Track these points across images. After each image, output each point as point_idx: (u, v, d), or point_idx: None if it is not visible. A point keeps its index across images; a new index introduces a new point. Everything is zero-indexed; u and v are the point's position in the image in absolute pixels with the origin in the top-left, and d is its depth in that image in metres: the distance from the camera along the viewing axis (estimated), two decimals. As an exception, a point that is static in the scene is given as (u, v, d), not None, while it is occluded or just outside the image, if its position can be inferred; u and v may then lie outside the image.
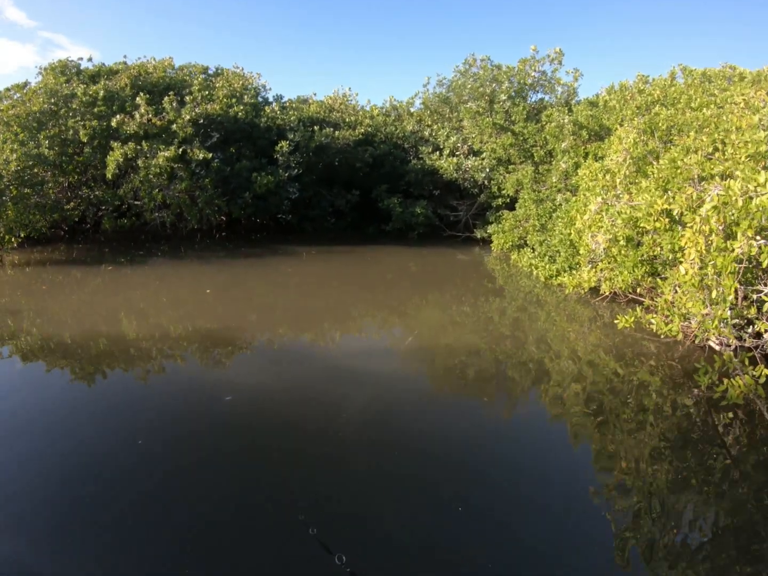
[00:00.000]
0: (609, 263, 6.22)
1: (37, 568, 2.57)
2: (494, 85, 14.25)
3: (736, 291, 4.11)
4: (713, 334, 4.04)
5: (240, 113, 13.91)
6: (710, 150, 5.62)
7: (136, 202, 13.28)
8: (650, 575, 2.64)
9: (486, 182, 14.14)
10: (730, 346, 4.35)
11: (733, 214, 3.94)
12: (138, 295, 8.32)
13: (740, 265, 3.86)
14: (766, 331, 4.07)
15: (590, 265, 6.64)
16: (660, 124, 7.32)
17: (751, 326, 4.57)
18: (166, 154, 12.16)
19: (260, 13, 61.09)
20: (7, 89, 13.49)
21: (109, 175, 12.22)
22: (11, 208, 10.68)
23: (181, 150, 12.45)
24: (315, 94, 18.43)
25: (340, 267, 11.38)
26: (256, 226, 16.39)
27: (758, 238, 3.81)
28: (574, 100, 14.57)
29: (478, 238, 14.36)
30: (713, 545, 2.82)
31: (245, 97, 14.75)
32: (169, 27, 61.81)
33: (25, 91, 13.12)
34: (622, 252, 5.87)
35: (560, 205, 10.07)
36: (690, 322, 4.64)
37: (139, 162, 12.31)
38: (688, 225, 4.10)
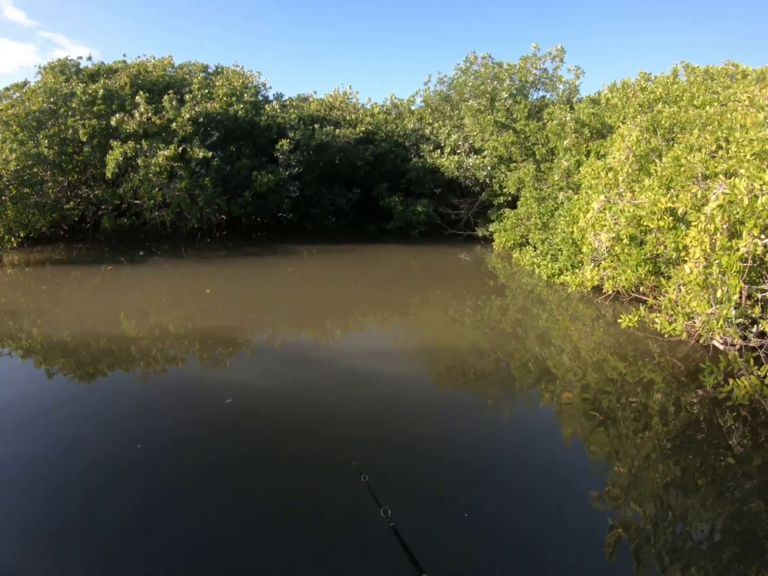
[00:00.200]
0: (612, 262, 6.17)
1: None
2: (495, 82, 14.17)
3: (740, 290, 4.07)
4: (718, 333, 4.00)
5: (240, 112, 13.85)
6: (714, 148, 5.57)
7: (135, 201, 13.24)
8: (655, 578, 2.62)
9: (487, 180, 14.07)
10: (734, 345, 4.31)
11: (738, 213, 3.89)
12: (138, 295, 8.29)
13: (745, 265, 3.82)
14: (771, 331, 4.03)
15: (593, 264, 6.59)
16: (663, 122, 7.26)
17: (755, 325, 4.53)
18: (165, 152, 12.11)
19: (260, 11, 60.90)
20: (7, 89, 13.43)
21: (108, 174, 12.17)
22: (11, 207, 10.64)
23: (180, 149, 12.40)
24: (315, 93, 18.43)
25: (340, 266, 11.34)
26: (256, 224, 16.35)
27: (763, 236, 3.77)
28: (575, 97, 14.48)
29: (480, 237, 14.31)
30: (717, 546, 2.79)
31: (245, 95, 14.68)
32: (168, 26, 61.67)
33: (24, 90, 13.06)
34: (625, 250, 5.82)
35: (562, 203, 10.01)
36: (694, 322, 4.60)
37: (139, 161, 12.27)
38: (693, 224, 4.05)
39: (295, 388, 4.71)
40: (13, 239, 10.91)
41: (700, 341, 4.84)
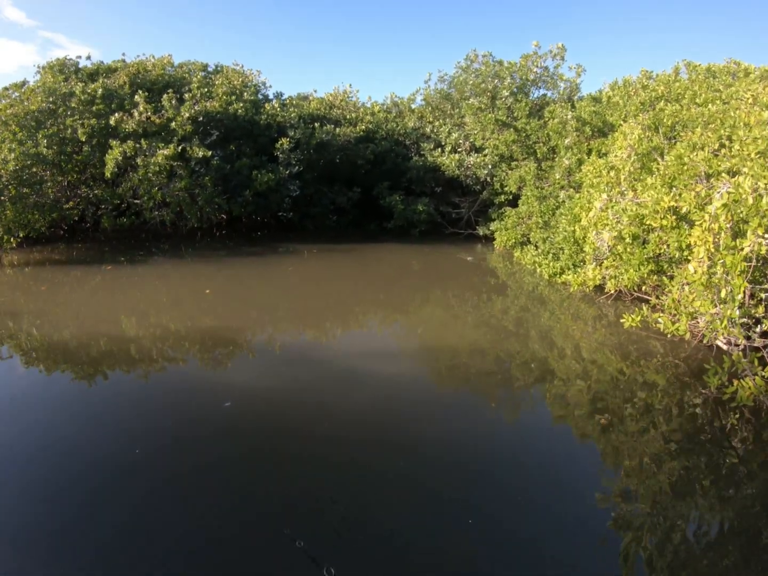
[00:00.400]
0: (614, 261, 6.14)
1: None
2: (496, 81, 14.12)
3: (744, 290, 4.04)
4: (722, 333, 3.97)
5: (240, 110, 13.80)
6: (716, 146, 5.53)
7: (135, 201, 13.21)
8: (660, 582, 2.59)
9: (488, 179, 14.02)
10: (738, 345, 4.28)
11: (742, 212, 3.86)
12: (138, 295, 8.27)
13: (749, 264, 3.79)
14: (775, 330, 3.99)
15: (595, 263, 6.56)
16: (665, 120, 7.22)
17: (758, 325, 4.49)
18: (165, 152, 12.07)
19: (260, 10, 60.78)
20: (5, 88, 13.39)
21: (108, 174, 12.13)
22: (10, 208, 10.61)
23: (180, 148, 12.36)
24: (315, 91, 18.32)
25: (341, 265, 11.31)
26: (256, 224, 16.32)
27: (767, 236, 3.74)
28: (576, 96, 14.43)
29: (481, 236, 14.27)
30: (719, 546, 2.77)
31: (245, 94, 14.64)
32: (169, 25, 61.60)
33: (23, 90, 13.01)
34: (628, 249, 5.79)
35: (563, 202, 9.97)
36: (697, 321, 4.57)
37: (138, 160, 12.23)
38: (697, 223, 4.02)
39: (295, 388, 4.69)
40: (12, 239, 10.88)
41: (704, 341, 4.80)
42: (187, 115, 12.77)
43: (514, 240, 11.76)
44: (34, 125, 11.97)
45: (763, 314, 4.02)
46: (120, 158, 12.00)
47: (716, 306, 3.83)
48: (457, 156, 14.23)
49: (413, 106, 17.71)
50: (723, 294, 3.74)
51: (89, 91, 12.70)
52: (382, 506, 3.04)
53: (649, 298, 6.24)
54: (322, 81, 61.82)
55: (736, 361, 3.63)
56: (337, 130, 14.53)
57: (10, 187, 10.69)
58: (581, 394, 4.66)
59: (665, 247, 5.36)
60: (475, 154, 14.14)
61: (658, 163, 6.09)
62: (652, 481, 3.34)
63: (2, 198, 10.54)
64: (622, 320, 5.05)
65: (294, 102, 16.37)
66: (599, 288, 7.24)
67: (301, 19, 60.69)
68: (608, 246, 6.04)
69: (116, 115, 12.42)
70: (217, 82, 14.42)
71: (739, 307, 3.82)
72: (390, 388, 4.75)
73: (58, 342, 5.91)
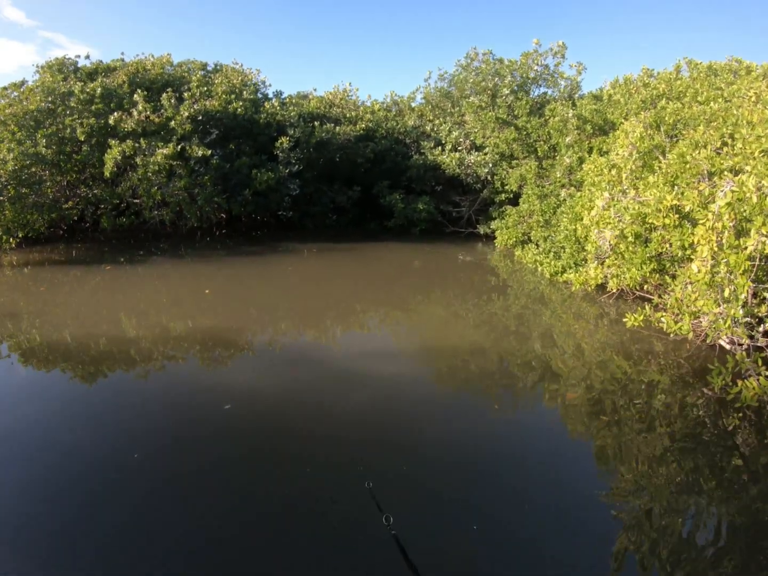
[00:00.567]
0: (616, 260, 6.11)
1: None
2: (496, 79, 14.07)
3: (747, 289, 4.01)
4: (725, 333, 3.95)
5: (239, 109, 13.77)
6: (719, 144, 5.50)
7: (134, 201, 13.18)
8: (662, 581, 2.57)
9: (489, 177, 13.99)
10: (741, 345, 4.25)
11: (745, 211, 3.83)
12: (138, 295, 8.25)
13: (754, 264, 3.76)
14: (778, 329, 3.97)
15: (596, 262, 6.53)
16: (666, 118, 7.18)
17: (762, 324, 4.47)
18: (164, 151, 12.04)
19: (259, 8, 60.67)
20: (4, 88, 13.34)
21: (107, 174, 12.10)
22: (9, 208, 10.59)
23: (179, 147, 12.33)
24: (315, 90, 18.26)
25: (341, 264, 11.28)
26: (256, 223, 16.29)
27: (771, 234, 3.70)
28: (577, 94, 14.38)
29: (481, 234, 14.24)
30: (721, 548, 2.75)
31: (244, 93, 14.61)
32: (169, 25, 61.48)
33: (22, 89, 12.97)
34: (630, 248, 5.76)
35: (564, 200, 9.94)
36: (700, 321, 4.54)
37: (138, 160, 12.20)
38: (701, 222, 3.99)
39: (295, 388, 4.67)
40: (11, 240, 10.86)
41: (707, 341, 4.78)
42: (186, 114, 12.74)
43: (515, 239, 11.72)
44: (33, 125, 11.94)
45: (766, 313, 3.99)
46: (119, 158, 11.96)
47: (719, 305, 3.81)
48: (457, 154, 14.19)
49: (413, 105, 17.66)
50: (726, 293, 3.71)
51: (88, 90, 12.66)
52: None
53: (651, 297, 6.22)
54: (321, 80, 61.86)
55: (739, 361, 3.61)
56: (337, 128, 14.49)
57: (9, 187, 10.67)
58: (582, 394, 4.64)
59: (668, 245, 5.33)
60: (476, 153, 14.10)
61: (660, 162, 6.06)
62: (654, 481, 3.32)
63: (1, 198, 10.53)
64: (624, 319, 5.02)
65: (294, 101, 16.32)
66: (601, 287, 7.21)
67: (300, 19, 60.60)
68: (610, 245, 6.01)
69: (115, 114, 12.38)
70: (216, 81, 14.39)
71: (743, 307, 3.79)
72: (390, 388, 4.73)
73: (58, 342, 5.89)
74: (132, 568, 2.54)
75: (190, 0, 59.86)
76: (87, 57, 14.84)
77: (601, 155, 8.95)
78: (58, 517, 2.88)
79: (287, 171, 13.64)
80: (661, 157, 6.53)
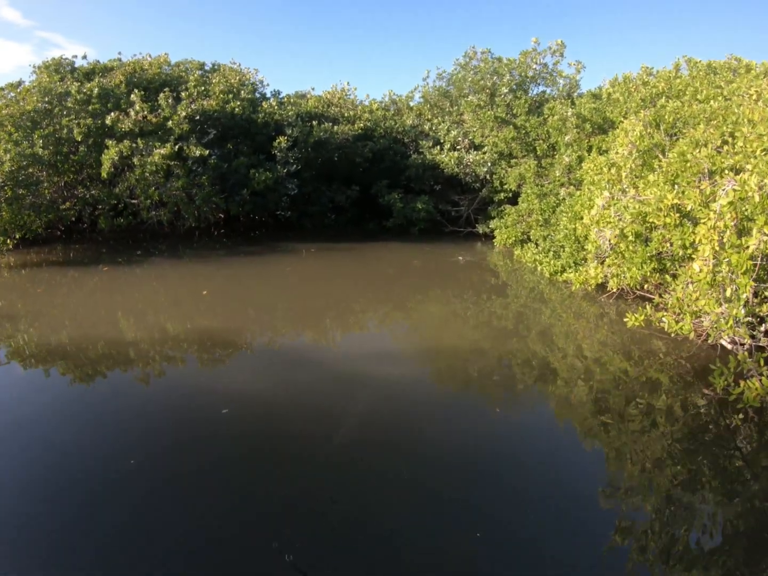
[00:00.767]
0: (616, 259, 6.10)
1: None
2: (495, 78, 14.05)
3: (749, 288, 3.99)
4: (727, 333, 3.93)
5: (237, 109, 13.73)
6: (719, 143, 5.49)
7: (132, 201, 13.13)
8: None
9: (488, 177, 13.97)
10: (743, 345, 4.24)
11: (746, 210, 3.82)
12: (136, 296, 8.21)
13: (756, 263, 3.74)
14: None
15: (597, 261, 6.52)
16: (666, 117, 7.17)
17: (763, 324, 4.46)
18: (162, 151, 11.99)
19: (258, 8, 60.50)
20: (1, 89, 13.26)
21: (104, 174, 12.05)
22: (6, 209, 10.53)
23: (177, 147, 12.28)
24: (313, 89, 18.23)
25: (340, 264, 11.26)
26: (254, 223, 16.25)
27: (773, 233, 3.69)
28: (576, 92, 14.37)
29: (480, 234, 14.23)
30: (724, 548, 2.74)
31: (242, 92, 14.57)
32: (168, 25, 61.12)
33: (19, 90, 12.90)
34: (630, 248, 5.74)
35: (564, 199, 9.93)
36: (701, 320, 4.53)
37: (135, 160, 12.15)
38: (702, 221, 3.97)
39: (295, 388, 4.66)
40: (8, 241, 10.80)
41: (708, 340, 4.76)
42: (183, 113, 12.69)
43: (514, 238, 11.70)
44: (30, 125, 11.88)
45: (767, 313, 3.98)
46: (116, 158, 11.92)
47: (721, 305, 3.79)
48: (456, 154, 14.17)
49: (412, 104, 17.63)
50: (728, 293, 3.70)
51: (85, 90, 12.61)
52: (382, 506, 3.03)
53: (651, 296, 6.21)
54: (320, 79, 61.63)
55: (741, 361, 3.59)
56: (335, 128, 14.46)
57: (6, 188, 10.61)
58: (583, 394, 4.62)
59: (668, 245, 5.31)
60: (475, 152, 14.08)
61: (660, 160, 6.05)
62: (654, 481, 3.31)
63: (-2, 199, 10.46)
64: (624, 319, 5.01)
65: (292, 100, 16.29)
66: (601, 286, 7.20)
67: (299, 18, 60.45)
68: (610, 244, 6.00)
69: (112, 114, 12.33)
70: (214, 81, 14.34)
71: (744, 306, 3.78)
72: (390, 388, 4.71)
73: (56, 344, 5.86)
74: (132, 568, 2.53)
75: (190, 0, 59.69)
76: (84, 57, 14.81)
77: (601, 154, 8.94)
78: (58, 517, 2.88)
79: (285, 171, 13.61)
80: (661, 156, 6.52)
